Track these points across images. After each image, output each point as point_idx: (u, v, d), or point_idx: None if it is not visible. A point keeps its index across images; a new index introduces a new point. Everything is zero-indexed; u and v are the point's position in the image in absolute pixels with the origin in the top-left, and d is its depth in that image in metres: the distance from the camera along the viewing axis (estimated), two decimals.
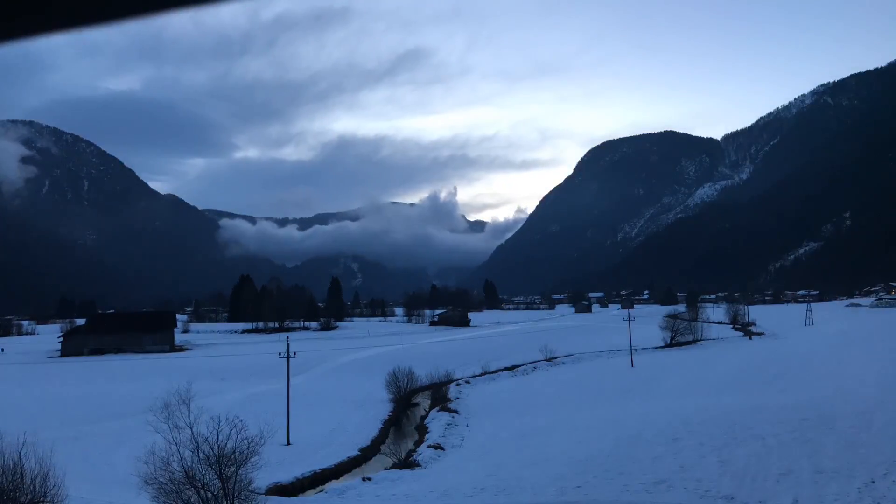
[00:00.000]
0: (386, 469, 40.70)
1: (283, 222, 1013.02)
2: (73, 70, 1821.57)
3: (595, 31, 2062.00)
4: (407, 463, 41.55)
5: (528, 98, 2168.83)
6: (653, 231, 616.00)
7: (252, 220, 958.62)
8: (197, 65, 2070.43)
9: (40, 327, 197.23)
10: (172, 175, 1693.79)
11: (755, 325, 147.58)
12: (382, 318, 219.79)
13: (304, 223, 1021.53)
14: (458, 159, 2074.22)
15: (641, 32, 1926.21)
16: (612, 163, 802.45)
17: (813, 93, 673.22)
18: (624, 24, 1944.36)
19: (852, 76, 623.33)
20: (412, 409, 64.96)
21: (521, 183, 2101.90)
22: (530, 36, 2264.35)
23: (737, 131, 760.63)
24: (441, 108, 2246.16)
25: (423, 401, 68.12)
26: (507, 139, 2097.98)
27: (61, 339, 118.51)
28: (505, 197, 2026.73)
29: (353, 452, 45.08)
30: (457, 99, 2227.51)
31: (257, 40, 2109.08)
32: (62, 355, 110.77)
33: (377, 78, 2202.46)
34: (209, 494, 23.22)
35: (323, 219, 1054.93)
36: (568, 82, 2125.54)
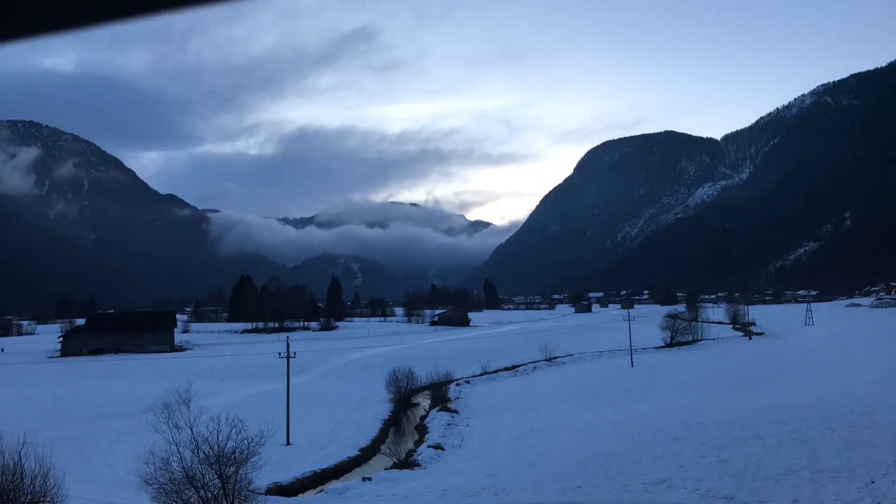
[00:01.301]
0: (386, 469, 40.68)
1: (283, 222, 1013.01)
2: None
3: (586, 27, 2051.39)
4: (407, 463, 41.53)
5: (493, 87, 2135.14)
6: (653, 231, 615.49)
7: (252, 219, 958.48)
8: (129, 46, 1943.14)
9: (40, 327, 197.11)
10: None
11: (755, 325, 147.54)
12: (382, 318, 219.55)
13: (303, 223, 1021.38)
14: (430, 154, 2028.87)
15: (640, 32, 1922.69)
16: (612, 163, 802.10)
17: (813, 93, 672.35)
18: (622, 21, 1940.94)
19: (852, 76, 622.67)
20: (412, 409, 64.94)
21: (501, 178, 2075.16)
22: (488, 17, 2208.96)
23: (737, 131, 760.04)
24: (403, 96, 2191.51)
25: (423, 401, 68.12)
26: (475, 131, 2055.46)
27: (61, 339, 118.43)
28: (488, 194, 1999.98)
29: (353, 452, 45.07)
30: (418, 87, 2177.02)
31: (178, 20, 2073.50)
32: (62, 355, 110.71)
33: (323, 61, 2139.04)
34: (209, 494, 23.23)
35: (322, 218, 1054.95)
36: (533, 71, 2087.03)
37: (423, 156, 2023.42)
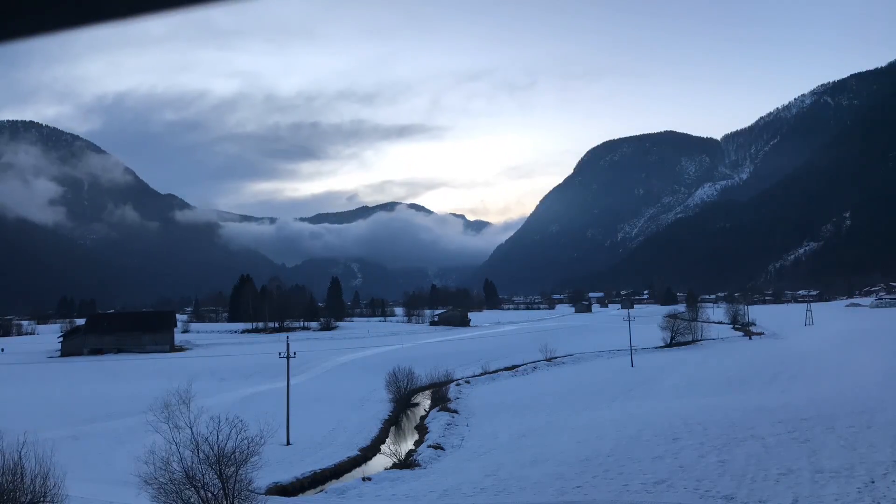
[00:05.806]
0: (386, 469, 40.69)
1: (283, 222, 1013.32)
2: None
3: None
4: (407, 463, 41.54)
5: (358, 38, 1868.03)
6: (653, 231, 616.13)
7: (251, 219, 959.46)
8: None
9: (40, 327, 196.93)
10: None
11: (755, 325, 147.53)
12: (382, 318, 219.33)
13: (304, 223, 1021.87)
14: (307, 128, 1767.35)
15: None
16: (611, 163, 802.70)
17: (813, 93, 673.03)
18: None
19: (852, 76, 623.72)
20: (412, 409, 64.92)
21: (416, 156, 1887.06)
22: None
23: (737, 131, 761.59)
24: (231, 41, 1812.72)
25: (423, 401, 68.13)
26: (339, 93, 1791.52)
27: (61, 339, 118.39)
28: (429, 180, 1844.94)
29: (353, 452, 45.07)
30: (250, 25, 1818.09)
31: None
32: (62, 355, 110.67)
33: None
34: (209, 494, 23.23)
35: (323, 219, 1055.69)
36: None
37: (302, 130, 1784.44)
